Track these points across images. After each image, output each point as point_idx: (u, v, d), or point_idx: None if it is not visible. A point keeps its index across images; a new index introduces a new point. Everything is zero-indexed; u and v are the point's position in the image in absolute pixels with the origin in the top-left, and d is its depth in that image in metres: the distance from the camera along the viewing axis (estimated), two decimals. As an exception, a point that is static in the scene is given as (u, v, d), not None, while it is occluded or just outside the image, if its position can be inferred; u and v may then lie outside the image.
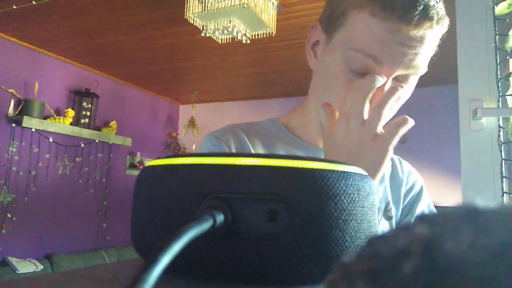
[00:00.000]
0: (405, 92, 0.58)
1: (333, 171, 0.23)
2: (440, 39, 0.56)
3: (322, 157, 0.65)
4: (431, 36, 0.53)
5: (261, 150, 0.66)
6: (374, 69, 0.54)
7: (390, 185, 0.72)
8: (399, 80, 0.56)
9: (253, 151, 0.64)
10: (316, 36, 0.63)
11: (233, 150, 0.63)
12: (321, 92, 0.61)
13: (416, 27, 0.51)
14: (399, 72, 0.54)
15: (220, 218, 0.22)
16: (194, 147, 4.55)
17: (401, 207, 0.72)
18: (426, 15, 0.51)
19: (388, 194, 0.71)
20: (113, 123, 3.86)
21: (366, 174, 0.25)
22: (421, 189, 0.75)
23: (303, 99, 0.71)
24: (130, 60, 3.49)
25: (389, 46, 0.52)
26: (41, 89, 3.29)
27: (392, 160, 0.76)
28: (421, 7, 0.51)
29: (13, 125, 3.08)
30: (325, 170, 0.23)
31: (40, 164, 3.29)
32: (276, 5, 2.19)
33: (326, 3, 0.62)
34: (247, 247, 0.23)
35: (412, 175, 0.76)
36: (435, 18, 0.52)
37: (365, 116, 0.51)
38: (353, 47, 0.53)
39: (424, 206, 0.74)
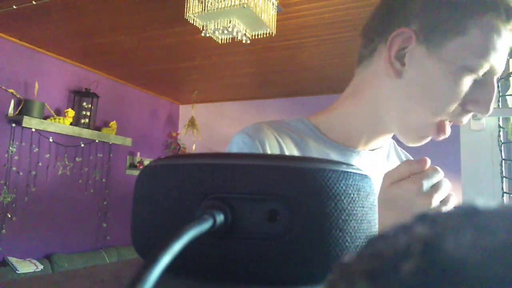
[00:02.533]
0: None
1: (333, 171, 0.23)
2: None
3: (353, 158, 0.66)
4: None
5: (293, 149, 0.64)
6: (489, 73, 0.56)
7: None
8: None
9: (286, 150, 0.63)
10: (402, 43, 0.59)
11: (268, 150, 0.61)
12: (416, 100, 0.59)
13: None
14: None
15: (220, 218, 0.22)
16: (194, 147, 4.55)
17: None
18: None
19: None
20: (113, 123, 3.86)
21: (366, 174, 0.25)
22: None
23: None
24: (130, 60, 3.49)
25: (502, 52, 0.54)
26: (41, 89, 3.29)
27: (400, 157, 0.77)
28: None
29: (13, 125, 3.08)
30: (325, 170, 0.23)
31: (40, 164, 3.29)
32: (276, 5, 2.19)
33: (417, 11, 0.58)
34: (247, 247, 0.23)
35: None
36: None
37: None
38: (482, 55, 0.54)
39: None
